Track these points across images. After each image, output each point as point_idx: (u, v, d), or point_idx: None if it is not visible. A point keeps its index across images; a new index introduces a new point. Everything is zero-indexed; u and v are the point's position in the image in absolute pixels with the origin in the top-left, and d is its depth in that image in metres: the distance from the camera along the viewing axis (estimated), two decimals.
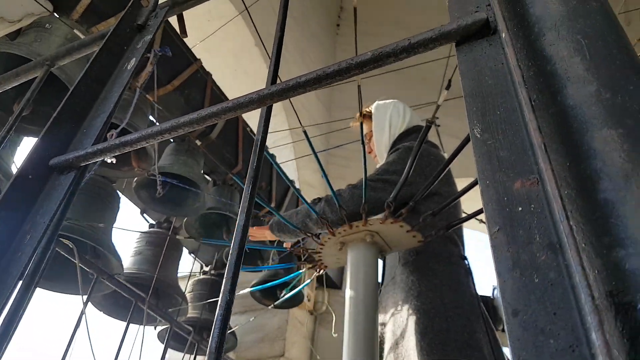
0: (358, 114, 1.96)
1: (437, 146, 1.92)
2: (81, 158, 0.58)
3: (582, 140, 0.34)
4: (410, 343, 1.44)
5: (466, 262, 1.66)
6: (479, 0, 0.48)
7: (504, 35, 0.39)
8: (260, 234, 1.82)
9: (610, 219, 0.29)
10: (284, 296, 2.27)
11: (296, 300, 2.67)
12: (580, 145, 0.33)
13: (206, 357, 0.44)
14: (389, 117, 1.92)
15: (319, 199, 1.71)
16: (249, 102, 0.51)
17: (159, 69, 2.07)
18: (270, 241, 1.93)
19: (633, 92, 0.35)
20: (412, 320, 1.49)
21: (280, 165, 3.24)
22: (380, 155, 1.92)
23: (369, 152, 2.02)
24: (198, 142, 2.22)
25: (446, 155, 1.82)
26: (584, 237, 0.30)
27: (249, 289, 2.54)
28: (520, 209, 0.32)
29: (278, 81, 0.60)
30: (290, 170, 3.59)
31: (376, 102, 2.04)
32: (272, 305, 2.24)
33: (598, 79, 0.36)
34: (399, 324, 1.55)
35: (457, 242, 1.71)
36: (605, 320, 0.27)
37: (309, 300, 3.26)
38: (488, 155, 0.35)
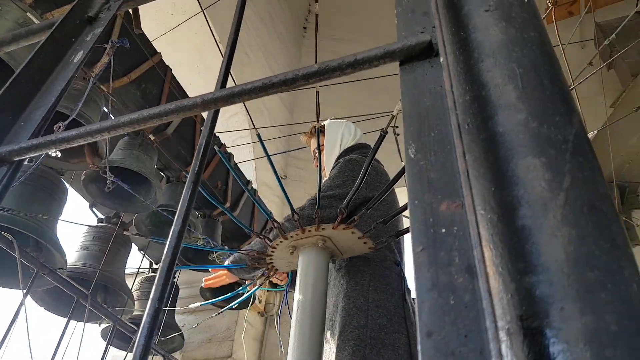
0: (310, 129, 2.05)
1: (376, 159, 2.01)
2: (14, 152, 0.55)
3: (507, 166, 0.35)
4: (333, 342, 1.49)
5: (399, 267, 1.72)
6: (426, 22, 0.49)
7: (441, 59, 0.40)
8: (220, 281, 1.81)
9: (527, 245, 0.31)
10: (232, 300, 2.25)
11: (245, 302, 2.64)
12: (506, 172, 0.35)
13: None
14: (341, 133, 2.00)
15: (271, 228, 1.73)
16: (192, 106, 0.50)
17: (116, 61, 2.01)
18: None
19: (559, 122, 0.36)
20: (337, 320, 1.54)
21: (239, 165, 3.21)
22: (328, 169, 1.98)
23: (317, 166, 2.09)
24: (152, 137, 2.17)
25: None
26: (501, 262, 0.32)
27: (197, 303, 2.50)
28: (444, 230, 0.33)
29: (232, 84, 0.59)
30: (249, 170, 3.56)
31: (328, 120, 2.11)
32: (218, 312, 2.21)
33: (527, 107, 0.37)
34: (327, 326, 1.59)
35: (393, 248, 1.78)
36: (513, 344, 0.28)
37: (259, 302, 3.24)
38: (419, 176, 0.36)
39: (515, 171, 0.34)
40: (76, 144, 0.54)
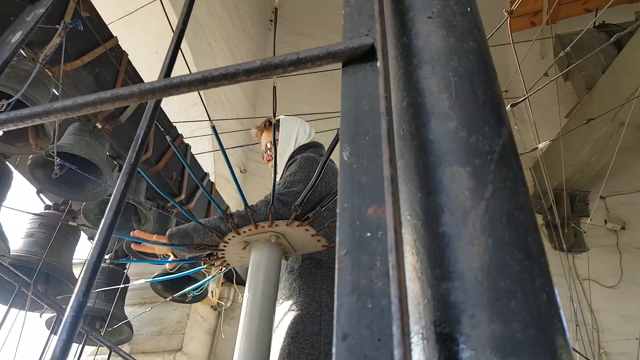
0: (264, 122, 2.03)
1: (332, 159, 2.02)
2: None
3: (434, 174, 0.35)
4: (279, 347, 1.48)
5: None
6: (371, 24, 0.49)
7: (378, 64, 0.40)
8: (150, 248, 1.72)
9: (446, 252, 0.31)
10: (186, 290, 2.21)
11: (198, 295, 2.61)
12: (432, 179, 0.35)
13: None
14: (296, 130, 2.00)
15: (232, 215, 1.68)
16: (128, 95, 0.49)
17: (69, 43, 1.94)
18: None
19: (487, 133, 0.37)
20: (286, 324, 1.53)
21: (197, 156, 3.15)
22: (281, 165, 1.97)
23: (268, 161, 2.08)
24: (100, 125, 2.10)
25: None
26: (421, 267, 0.32)
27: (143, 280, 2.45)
28: (368, 234, 0.33)
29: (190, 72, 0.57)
30: (207, 162, 3.50)
31: (283, 115, 2.11)
32: (170, 297, 2.17)
33: (458, 117, 0.38)
34: (273, 329, 1.58)
35: None
36: (426, 348, 0.29)
37: (213, 296, 3.20)
38: (351, 179, 0.36)
39: (441, 179, 0.35)
40: (5, 129, 0.51)
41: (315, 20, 5.43)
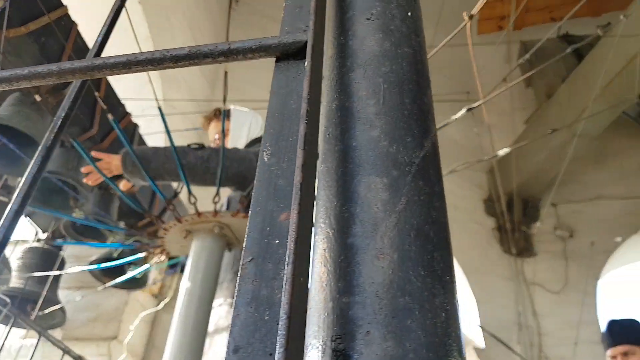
0: (213, 111, 1.98)
1: None
2: None
3: (351, 182, 0.34)
4: (222, 346, 1.45)
5: None
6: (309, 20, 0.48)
7: (306, 64, 0.38)
8: (106, 163, 1.64)
9: (351, 264, 0.30)
10: (125, 278, 2.14)
11: (138, 283, 2.53)
12: (349, 187, 0.34)
13: None
14: (249, 122, 1.95)
15: (203, 146, 1.61)
16: (47, 74, 0.45)
17: (13, 8, 1.82)
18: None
19: (409, 144, 0.37)
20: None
21: (146, 137, 3.05)
22: None
23: None
24: (39, 97, 1.99)
25: None
26: (327, 278, 0.31)
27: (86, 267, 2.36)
28: (277, 241, 0.31)
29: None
30: (159, 143, 3.40)
31: (233, 106, 2.06)
32: (108, 283, 2.10)
33: (382, 125, 0.37)
34: (217, 332, 1.55)
35: None
36: None
37: (154, 284, 3.12)
38: (267, 182, 0.35)
39: (357, 188, 0.34)
40: None
41: (280, 2, 5.35)
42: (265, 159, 0.37)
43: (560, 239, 4.76)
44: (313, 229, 0.36)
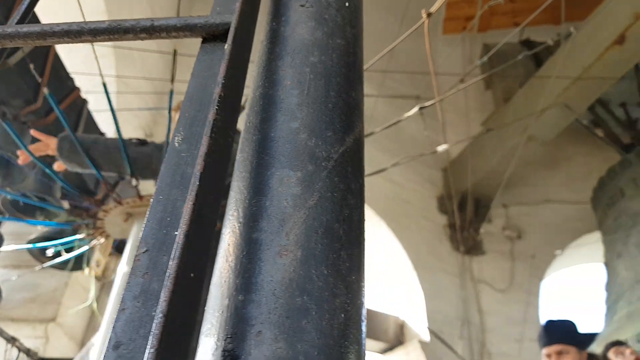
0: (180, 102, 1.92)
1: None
2: None
3: (265, 174, 0.33)
4: None
5: None
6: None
7: (226, 47, 0.36)
8: (44, 145, 1.58)
9: (253, 261, 0.29)
10: (60, 257, 2.06)
11: (77, 264, 2.44)
12: (262, 180, 0.33)
13: None
14: None
15: (145, 142, 1.56)
16: None
17: None
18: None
19: (329, 138, 0.35)
20: None
21: (95, 113, 2.93)
22: None
23: None
24: None
25: None
26: (227, 274, 0.30)
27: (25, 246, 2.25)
28: (176, 233, 0.30)
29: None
30: (109, 123, 3.27)
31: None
32: (46, 264, 2.01)
33: (303, 117, 0.36)
34: None
35: None
36: None
37: (97, 266, 3.02)
38: (175, 168, 0.33)
39: (269, 181, 0.32)
40: None
41: None
42: (176, 144, 0.35)
43: (509, 239, 4.92)
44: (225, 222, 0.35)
